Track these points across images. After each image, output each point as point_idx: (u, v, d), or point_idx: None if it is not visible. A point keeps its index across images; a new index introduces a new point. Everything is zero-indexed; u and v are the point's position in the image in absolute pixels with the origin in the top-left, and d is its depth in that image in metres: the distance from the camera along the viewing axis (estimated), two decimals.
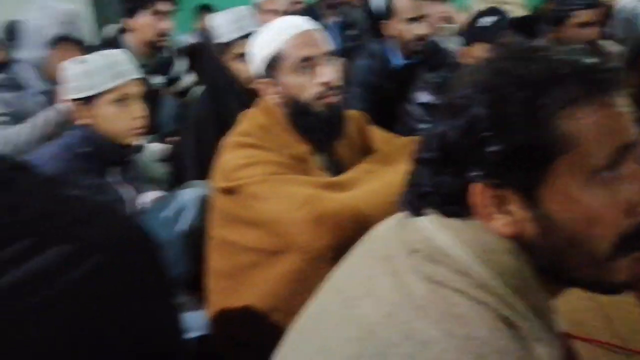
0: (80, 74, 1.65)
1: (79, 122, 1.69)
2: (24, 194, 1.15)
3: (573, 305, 1.78)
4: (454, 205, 0.67)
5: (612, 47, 2.69)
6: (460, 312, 0.61)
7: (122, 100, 1.67)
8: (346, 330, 0.66)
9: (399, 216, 0.75)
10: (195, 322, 1.55)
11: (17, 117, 2.05)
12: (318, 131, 1.42)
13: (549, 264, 0.66)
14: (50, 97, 2.06)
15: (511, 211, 0.65)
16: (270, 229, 1.32)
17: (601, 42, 2.63)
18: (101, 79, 1.64)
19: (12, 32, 3.22)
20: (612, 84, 0.64)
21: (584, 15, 2.48)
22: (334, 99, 1.41)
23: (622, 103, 0.64)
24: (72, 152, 1.63)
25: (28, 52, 2.11)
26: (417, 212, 0.71)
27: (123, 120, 1.68)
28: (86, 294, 0.99)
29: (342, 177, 1.41)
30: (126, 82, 1.67)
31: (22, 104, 2.08)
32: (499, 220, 0.65)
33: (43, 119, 2.00)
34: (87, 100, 1.66)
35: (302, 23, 1.42)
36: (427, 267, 0.65)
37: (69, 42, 2.07)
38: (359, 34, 3.39)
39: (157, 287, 1.20)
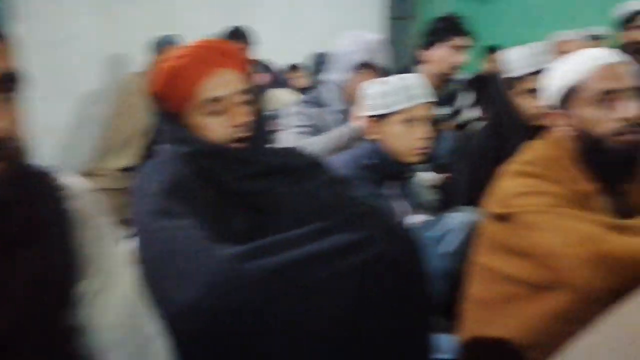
0: (378, 94, 1.81)
1: (369, 137, 1.86)
2: (319, 187, 1.32)
3: None
4: None
5: None
6: None
7: (410, 121, 1.79)
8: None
9: None
10: (445, 345, 1.55)
11: (316, 131, 2.32)
12: (609, 169, 1.32)
13: None
14: (346, 115, 2.29)
15: None
16: (541, 261, 1.27)
17: None
18: (396, 99, 1.78)
19: (321, 62, 3.71)
20: None
21: None
22: (632, 137, 1.30)
23: None
24: (360, 162, 1.80)
25: (334, 75, 2.39)
26: None
27: (408, 140, 1.79)
28: (365, 277, 1.09)
29: (630, 221, 1.29)
30: (417, 104, 1.79)
31: (322, 119, 2.35)
32: None
33: (337, 134, 2.24)
34: (380, 117, 1.81)
35: (606, 55, 1.35)
36: None
37: (370, 68, 2.28)
38: None
39: (416, 294, 1.26)
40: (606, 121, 1.31)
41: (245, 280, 1.05)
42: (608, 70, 1.32)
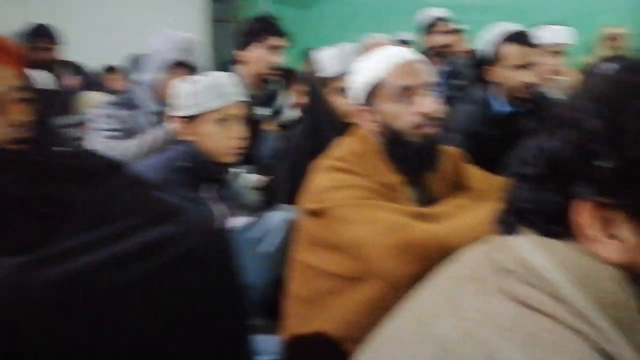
0: (189, 93, 1.73)
1: (182, 138, 1.77)
2: (118, 189, 1.21)
3: None
4: (554, 225, 0.62)
5: None
6: (551, 339, 0.55)
7: (224, 120, 1.74)
8: (420, 349, 0.62)
9: (490, 238, 0.70)
10: (268, 346, 1.53)
11: (129, 134, 2.18)
12: (411, 161, 1.39)
13: None
14: (160, 117, 2.18)
15: (620, 236, 0.58)
16: (352, 253, 1.29)
17: None
18: (207, 98, 1.72)
19: (137, 63, 3.52)
20: None
21: None
22: (430, 130, 1.38)
23: None
24: (173, 165, 1.71)
25: (147, 75, 2.26)
26: (512, 230, 0.66)
27: (223, 140, 1.74)
28: (168, 281, 1.01)
29: (432, 209, 1.37)
30: (229, 103, 1.74)
31: (135, 121, 2.21)
32: (605, 245, 0.59)
33: (151, 136, 2.12)
34: (192, 118, 1.74)
35: (404, 53, 1.42)
36: (518, 288, 0.60)
37: (184, 68, 2.19)
38: (464, 83, 3.36)
39: (230, 294, 1.20)
40: (406, 116, 1.37)
41: (31, 292, 0.92)
42: (406, 67, 1.39)
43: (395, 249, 1.22)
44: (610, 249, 0.59)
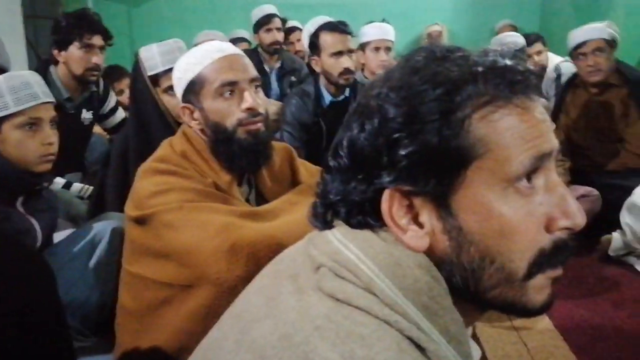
0: None
1: None
2: None
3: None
4: (364, 216, 0.62)
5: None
6: (364, 332, 0.54)
7: (29, 125, 1.56)
8: (238, 356, 0.58)
9: (311, 233, 0.68)
10: None
11: None
12: (239, 159, 1.35)
13: (463, 282, 0.60)
14: None
15: (424, 222, 0.59)
16: (181, 260, 1.23)
17: None
18: (5, 102, 1.53)
19: None
20: (530, 87, 0.60)
21: None
22: (257, 127, 1.35)
23: (541, 109, 0.61)
24: None
25: None
26: (326, 225, 0.65)
27: (31, 146, 1.56)
28: None
29: (262, 207, 1.34)
30: (35, 105, 1.57)
31: None
32: (410, 232, 0.59)
33: None
34: None
35: (227, 47, 1.38)
36: (332, 283, 0.59)
37: None
38: (299, 79, 3.42)
39: (47, 323, 1.09)
40: (230, 112, 1.33)
41: None
42: (227, 62, 1.34)
43: (226, 252, 1.18)
44: (417, 236, 0.59)
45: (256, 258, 1.17)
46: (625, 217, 2.57)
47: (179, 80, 1.39)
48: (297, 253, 0.68)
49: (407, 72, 0.61)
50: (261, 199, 1.43)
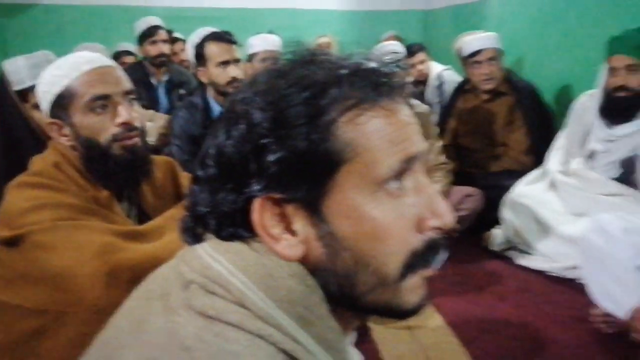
0: None
1: None
2: None
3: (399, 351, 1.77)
4: (235, 227, 0.59)
5: (423, 107, 2.90)
6: (235, 349, 0.52)
7: None
8: None
9: (183, 249, 0.65)
10: None
11: None
12: (117, 176, 1.28)
13: (339, 289, 0.59)
14: None
15: (297, 230, 0.58)
16: (56, 284, 1.14)
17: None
18: None
19: None
20: (396, 90, 0.61)
21: None
22: (133, 141, 1.29)
23: (407, 112, 0.61)
24: None
25: None
26: (196, 239, 0.62)
27: None
28: None
29: (145, 226, 1.28)
30: None
31: None
32: (283, 241, 0.58)
33: None
34: None
35: (97, 58, 1.31)
36: (202, 300, 0.56)
37: None
38: (188, 92, 3.34)
39: None
40: (103, 127, 1.26)
41: None
42: (98, 74, 1.27)
43: (105, 276, 1.11)
44: (290, 245, 0.58)
45: (138, 282, 1.11)
46: (504, 214, 2.73)
47: (44, 94, 1.29)
48: (170, 271, 0.65)
49: (273, 76, 0.60)
50: (144, 216, 1.36)
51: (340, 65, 0.60)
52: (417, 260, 0.60)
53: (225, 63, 2.41)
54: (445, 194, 2.73)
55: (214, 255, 0.59)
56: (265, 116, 0.57)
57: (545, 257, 2.52)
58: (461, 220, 2.68)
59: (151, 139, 2.45)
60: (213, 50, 2.43)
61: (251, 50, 3.02)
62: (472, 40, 3.23)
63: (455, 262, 2.52)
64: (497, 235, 2.77)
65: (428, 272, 0.62)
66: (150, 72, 3.45)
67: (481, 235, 2.85)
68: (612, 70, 2.36)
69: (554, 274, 2.46)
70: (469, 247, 2.79)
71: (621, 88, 2.33)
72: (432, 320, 2.07)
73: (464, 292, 2.36)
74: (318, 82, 0.58)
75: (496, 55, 3.15)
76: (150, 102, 3.22)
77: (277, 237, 0.58)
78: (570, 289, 2.30)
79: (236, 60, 2.44)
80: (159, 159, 1.45)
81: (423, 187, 0.60)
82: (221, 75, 2.41)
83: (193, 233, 0.64)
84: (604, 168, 2.46)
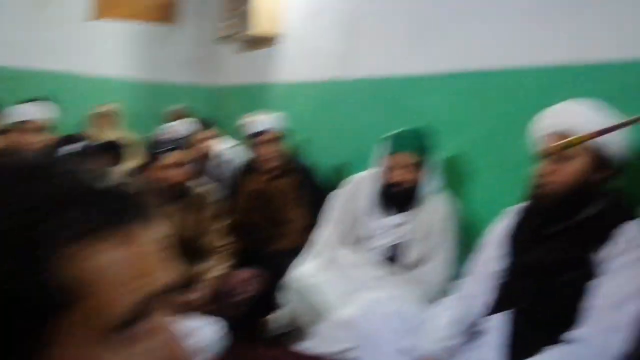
0: None
1: None
2: None
3: None
4: None
5: (204, 187, 2.82)
6: None
7: None
8: None
9: None
10: None
11: None
12: None
13: None
14: None
15: None
16: None
17: (191, 183, 2.73)
18: None
19: None
20: (134, 215, 0.49)
21: (170, 157, 2.58)
22: None
23: (153, 236, 0.50)
24: None
25: None
26: None
27: None
28: None
29: None
30: None
31: None
32: None
33: None
34: None
35: None
36: None
37: None
38: None
39: None
40: None
41: None
42: None
43: None
44: None
45: None
46: (283, 297, 2.70)
47: None
48: None
49: None
50: None
51: (65, 184, 0.47)
52: None
53: None
54: (225, 277, 2.63)
55: None
56: None
57: (322, 341, 2.51)
58: (240, 304, 2.58)
59: None
60: None
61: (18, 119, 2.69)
62: (255, 121, 3.27)
63: (235, 348, 2.40)
64: (276, 320, 2.71)
65: None
66: None
67: (261, 319, 2.77)
68: (392, 167, 2.48)
69: (333, 358, 2.45)
70: (249, 332, 2.69)
71: (399, 183, 2.47)
72: None
73: None
74: (36, 204, 0.45)
75: (279, 136, 3.22)
76: None
77: None
78: None
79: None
80: None
81: (161, 329, 0.50)
82: None
83: None
84: (373, 252, 2.56)
